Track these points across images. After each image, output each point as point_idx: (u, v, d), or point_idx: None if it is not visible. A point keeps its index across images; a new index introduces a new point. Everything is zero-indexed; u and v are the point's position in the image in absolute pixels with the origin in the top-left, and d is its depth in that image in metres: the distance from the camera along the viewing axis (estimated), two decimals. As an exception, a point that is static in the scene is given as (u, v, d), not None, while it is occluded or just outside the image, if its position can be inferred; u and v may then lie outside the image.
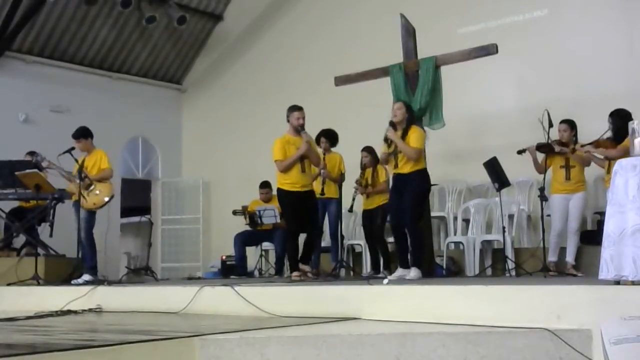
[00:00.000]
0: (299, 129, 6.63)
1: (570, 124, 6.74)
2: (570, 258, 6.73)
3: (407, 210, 6.10)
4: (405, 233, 6.28)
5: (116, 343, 3.25)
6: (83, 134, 7.78)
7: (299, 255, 6.74)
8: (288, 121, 6.71)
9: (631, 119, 5.85)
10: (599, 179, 7.28)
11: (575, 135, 6.74)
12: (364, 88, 8.21)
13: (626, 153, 5.78)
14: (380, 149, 6.52)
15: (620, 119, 6.08)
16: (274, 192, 9.08)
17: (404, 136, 6.17)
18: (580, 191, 6.74)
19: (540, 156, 6.88)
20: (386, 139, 6.26)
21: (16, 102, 10.41)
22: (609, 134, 6.25)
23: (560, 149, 6.66)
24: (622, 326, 3.48)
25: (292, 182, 6.66)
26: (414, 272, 6.00)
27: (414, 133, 6.18)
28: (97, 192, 7.61)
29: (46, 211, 8.14)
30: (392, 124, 6.27)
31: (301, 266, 6.62)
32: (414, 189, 6.13)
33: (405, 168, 6.16)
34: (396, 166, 6.23)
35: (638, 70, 7.92)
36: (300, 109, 6.69)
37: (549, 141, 6.63)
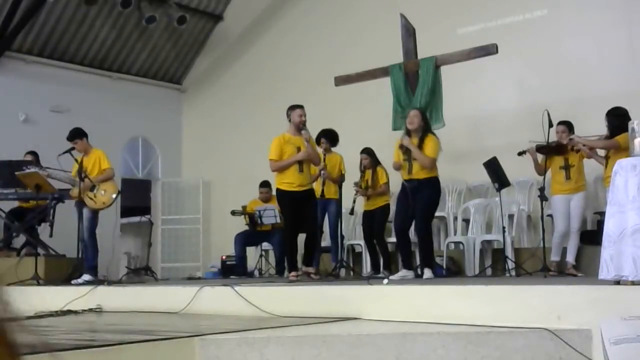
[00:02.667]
0: (301, 127, 6.60)
1: (568, 126, 6.73)
2: (570, 258, 6.72)
3: (421, 216, 6.18)
4: (408, 236, 6.37)
5: (116, 343, 3.26)
6: (77, 134, 7.76)
7: (300, 255, 6.73)
8: (289, 120, 6.69)
9: (628, 117, 5.85)
10: (599, 179, 7.27)
11: (573, 136, 6.75)
12: (364, 88, 8.22)
13: (616, 147, 5.81)
14: (393, 157, 6.54)
15: (616, 117, 6.06)
16: (274, 193, 9.15)
17: (420, 144, 6.19)
18: (581, 191, 6.73)
19: (540, 157, 6.88)
20: (401, 147, 6.28)
21: (16, 102, 10.40)
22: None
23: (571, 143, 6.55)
24: (622, 326, 3.47)
25: (289, 181, 6.62)
26: (428, 273, 6.15)
27: (430, 142, 6.21)
28: (103, 191, 7.63)
29: (46, 211, 8.14)
30: (408, 132, 6.28)
31: (304, 268, 6.61)
32: (427, 196, 6.22)
33: (420, 174, 6.22)
34: (410, 172, 6.25)
35: (638, 70, 7.92)
36: (302, 106, 6.68)
37: (548, 142, 6.62)
